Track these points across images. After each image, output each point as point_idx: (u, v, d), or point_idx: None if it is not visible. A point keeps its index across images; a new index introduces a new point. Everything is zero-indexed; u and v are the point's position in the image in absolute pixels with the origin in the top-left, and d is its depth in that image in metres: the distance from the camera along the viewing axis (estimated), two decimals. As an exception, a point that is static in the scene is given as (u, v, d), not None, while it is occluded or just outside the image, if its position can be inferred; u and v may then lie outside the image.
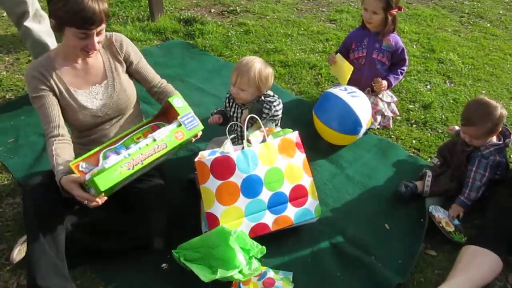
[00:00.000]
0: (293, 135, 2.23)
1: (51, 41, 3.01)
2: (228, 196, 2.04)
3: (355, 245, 2.17)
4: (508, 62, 3.93)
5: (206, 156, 2.06)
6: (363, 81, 2.95)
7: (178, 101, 1.99)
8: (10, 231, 2.19)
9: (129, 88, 2.15)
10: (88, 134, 2.08)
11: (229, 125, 2.32)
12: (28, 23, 2.89)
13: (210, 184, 2.02)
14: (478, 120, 2.23)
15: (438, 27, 4.57)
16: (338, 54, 3.00)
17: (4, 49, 3.80)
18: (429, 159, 2.72)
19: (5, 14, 4.12)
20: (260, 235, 2.07)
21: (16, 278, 1.98)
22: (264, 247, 1.97)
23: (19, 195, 2.39)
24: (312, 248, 2.16)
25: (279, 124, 2.48)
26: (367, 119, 2.73)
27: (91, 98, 2.04)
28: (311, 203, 2.18)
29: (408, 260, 2.09)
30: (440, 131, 2.98)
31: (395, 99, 3.08)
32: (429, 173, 2.42)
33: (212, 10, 4.69)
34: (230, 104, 2.47)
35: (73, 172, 1.76)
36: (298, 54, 3.87)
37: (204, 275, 1.82)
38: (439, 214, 2.26)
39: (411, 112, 3.16)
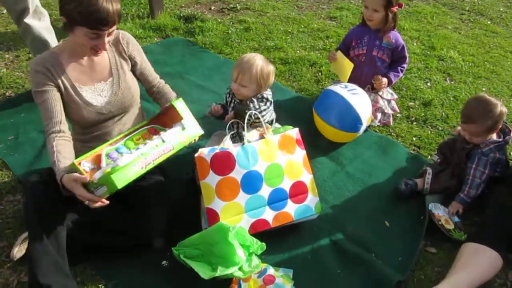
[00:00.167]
0: (293, 132, 2.24)
1: (51, 38, 3.01)
2: (228, 192, 2.04)
3: (355, 242, 2.17)
4: (508, 60, 3.92)
5: (206, 152, 2.06)
6: (363, 78, 2.95)
7: (181, 105, 2.03)
8: (10, 228, 2.19)
9: (134, 86, 2.15)
10: (91, 131, 2.08)
11: (229, 122, 2.32)
12: (28, 20, 2.88)
13: (210, 180, 2.03)
14: (478, 117, 2.22)
15: (439, 24, 4.56)
16: (339, 51, 3.00)
17: (4, 46, 3.79)
18: (429, 157, 2.72)
19: (5, 11, 4.11)
20: (260, 232, 2.07)
21: (17, 275, 1.99)
22: (263, 243, 1.97)
23: (19, 192, 2.39)
24: (312, 245, 2.16)
25: (275, 121, 2.49)
26: (367, 116, 2.73)
27: (95, 95, 2.03)
28: (311, 199, 2.19)
29: (408, 258, 2.09)
30: (440, 128, 2.98)
31: (395, 96, 3.08)
32: (429, 170, 2.42)
33: (212, 8, 4.69)
34: (230, 99, 2.47)
35: (75, 171, 1.75)
36: (298, 51, 3.87)
37: (204, 272, 1.83)
38: (438, 211, 2.26)
39: (411, 109, 3.16)
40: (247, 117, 2.18)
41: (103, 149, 1.88)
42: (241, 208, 2.05)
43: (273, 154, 2.14)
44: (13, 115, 2.98)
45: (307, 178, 2.20)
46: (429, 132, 2.95)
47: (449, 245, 2.16)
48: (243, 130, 2.17)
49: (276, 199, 2.12)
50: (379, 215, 2.34)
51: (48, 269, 1.77)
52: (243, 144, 2.12)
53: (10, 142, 2.75)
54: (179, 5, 4.70)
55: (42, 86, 1.91)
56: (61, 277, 1.79)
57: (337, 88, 2.75)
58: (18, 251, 2.01)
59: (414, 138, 2.89)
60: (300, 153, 2.22)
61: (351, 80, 2.92)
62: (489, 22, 4.69)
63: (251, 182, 2.08)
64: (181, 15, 4.38)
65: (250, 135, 2.19)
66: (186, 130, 1.98)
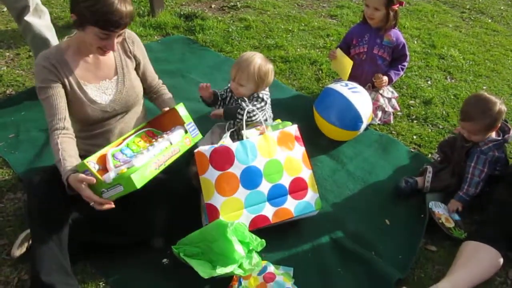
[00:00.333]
0: (292, 129, 2.25)
1: (52, 36, 3.00)
2: (228, 187, 2.04)
3: (355, 240, 2.17)
4: (509, 58, 3.92)
5: (205, 148, 2.07)
6: (364, 76, 2.95)
7: (182, 110, 2.06)
8: (11, 226, 2.19)
9: (138, 85, 2.16)
10: (93, 128, 2.08)
11: (228, 123, 2.32)
12: (28, 17, 2.88)
13: (209, 175, 2.03)
14: (476, 115, 2.22)
15: (439, 22, 4.56)
16: (338, 49, 2.99)
17: (5, 44, 3.79)
18: (429, 155, 2.72)
19: (5, 9, 4.11)
20: (261, 229, 2.07)
21: (17, 273, 1.99)
22: (263, 240, 1.97)
23: (19, 190, 2.39)
24: (312, 243, 2.17)
25: (271, 120, 2.49)
26: (367, 114, 2.73)
27: (100, 93, 2.03)
28: (311, 196, 2.19)
29: (408, 256, 2.10)
30: (440, 127, 2.98)
31: (396, 94, 3.08)
32: (429, 168, 2.42)
33: (213, 6, 4.68)
34: (229, 96, 2.45)
35: (83, 170, 1.75)
36: (298, 49, 3.86)
37: (204, 271, 1.83)
38: (439, 210, 2.26)
39: (411, 107, 3.16)
40: (244, 117, 2.18)
41: (108, 150, 1.88)
42: (241, 203, 2.06)
43: (272, 150, 2.15)
44: (14, 113, 2.98)
45: (306, 174, 2.20)
46: (430, 130, 2.95)
47: (449, 243, 2.16)
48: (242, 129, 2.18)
49: (276, 195, 2.13)
50: (380, 213, 2.34)
51: (50, 267, 1.77)
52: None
53: (11, 140, 2.75)
54: (180, 3, 4.70)
55: (47, 82, 1.90)
56: (63, 276, 1.79)
57: (337, 86, 2.75)
58: (19, 249, 2.01)
59: (414, 137, 2.89)
60: (299, 149, 2.22)
61: (351, 78, 2.92)
62: (489, 21, 4.69)
63: (250, 178, 2.08)
64: (182, 13, 4.37)
65: (249, 134, 2.19)
66: (189, 134, 2.04)
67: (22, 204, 2.30)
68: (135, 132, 2.05)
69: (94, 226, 2.01)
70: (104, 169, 1.81)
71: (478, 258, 1.97)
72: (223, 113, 2.31)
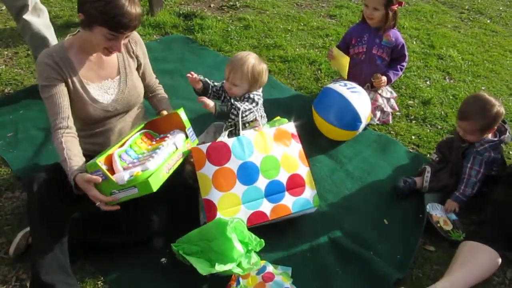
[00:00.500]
0: (289, 126, 2.26)
1: (50, 35, 3.00)
2: (225, 182, 2.05)
3: (354, 240, 2.18)
4: (507, 59, 3.93)
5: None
6: (362, 76, 2.95)
7: (184, 115, 2.10)
8: (9, 225, 2.19)
9: (139, 85, 2.17)
10: (94, 127, 2.07)
11: (225, 123, 2.32)
12: (27, 16, 2.87)
13: (206, 170, 2.04)
14: (473, 115, 2.22)
15: (438, 23, 4.56)
16: (335, 47, 3.00)
17: (3, 43, 3.78)
18: (428, 155, 2.72)
19: (4, 7, 4.10)
20: (259, 228, 2.07)
21: (15, 272, 1.98)
22: (262, 240, 1.97)
23: (18, 189, 2.39)
24: (311, 243, 2.17)
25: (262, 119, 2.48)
26: (366, 114, 2.73)
27: (102, 92, 2.03)
28: (309, 192, 2.20)
29: (407, 255, 2.10)
30: (439, 127, 2.99)
31: (395, 95, 3.08)
32: (428, 168, 2.42)
33: (212, 5, 4.68)
34: (223, 95, 2.43)
35: (93, 170, 1.75)
36: (297, 49, 3.86)
37: (202, 268, 1.83)
38: (436, 212, 2.27)
39: (410, 108, 3.16)
40: (240, 118, 2.18)
41: (114, 151, 1.88)
42: (238, 199, 2.06)
43: (269, 146, 2.16)
44: (12, 112, 2.97)
45: (303, 171, 2.21)
46: (428, 130, 2.96)
47: (447, 243, 2.17)
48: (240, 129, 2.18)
49: (273, 191, 2.13)
50: (378, 213, 2.34)
51: (50, 267, 1.77)
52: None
53: (9, 139, 2.75)
54: (179, 2, 4.69)
55: (50, 80, 1.89)
56: (63, 275, 1.79)
57: (336, 86, 2.75)
58: (17, 248, 2.01)
59: (413, 137, 2.89)
60: (296, 146, 2.23)
61: (350, 78, 2.92)
62: (488, 21, 4.70)
63: (247, 173, 2.09)
64: (181, 12, 4.37)
65: (247, 134, 2.19)
66: (189, 139, 2.09)
67: (20, 203, 2.30)
68: (135, 133, 2.05)
69: (93, 226, 2.02)
70: (110, 169, 1.81)
71: (476, 258, 1.98)
72: (215, 112, 2.24)
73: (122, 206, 2.08)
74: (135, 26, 1.85)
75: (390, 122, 3.00)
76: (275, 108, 2.86)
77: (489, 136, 2.30)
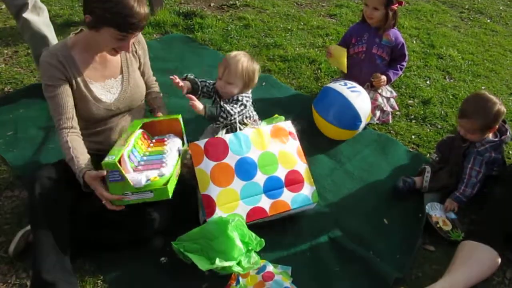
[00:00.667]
0: (286, 124, 2.28)
1: (50, 33, 2.99)
2: (223, 178, 2.06)
3: (353, 239, 2.17)
4: (507, 58, 3.93)
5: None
6: (362, 76, 2.95)
7: (181, 120, 2.16)
8: (8, 223, 2.19)
9: (142, 84, 2.18)
10: (95, 126, 2.08)
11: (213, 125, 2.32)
12: (27, 15, 2.87)
13: (204, 166, 2.05)
14: (473, 113, 2.22)
15: (438, 22, 4.56)
16: (332, 44, 2.99)
17: (3, 42, 3.78)
18: (428, 155, 2.72)
19: (3, 6, 4.10)
20: (259, 227, 2.07)
21: (15, 271, 1.98)
22: (262, 239, 1.97)
23: (17, 188, 2.39)
24: (311, 242, 2.17)
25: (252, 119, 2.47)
26: (366, 114, 2.73)
27: (105, 92, 2.04)
28: (308, 189, 2.20)
29: (407, 255, 2.10)
30: (439, 126, 2.98)
31: (395, 94, 3.08)
32: (428, 168, 2.42)
33: (212, 4, 4.68)
34: (213, 98, 2.42)
35: (110, 169, 1.75)
36: (297, 48, 3.86)
37: (203, 265, 1.84)
38: (435, 213, 2.27)
39: (410, 107, 3.16)
40: (237, 119, 2.21)
41: (123, 151, 1.87)
42: (236, 194, 2.07)
43: (266, 142, 2.18)
44: (12, 111, 2.97)
45: (301, 167, 2.22)
46: (428, 130, 2.96)
47: (447, 243, 2.17)
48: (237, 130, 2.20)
49: (272, 187, 2.14)
50: (378, 212, 2.34)
51: (51, 265, 1.77)
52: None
53: (9, 137, 2.75)
54: (179, 1, 4.69)
55: (54, 80, 1.90)
56: (64, 274, 1.79)
57: (336, 86, 2.75)
58: (17, 247, 2.00)
59: (413, 136, 2.89)
60: (293, 143, 2.24)
61: (350, 77, 2.92)
62: (488, 21, 4.70)
63: (245, 169, 2.10)
64: (181, 11, 4.37)
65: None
66: (186, 145, 2.13)
67: (20, 202, 2.29)
68: (136, 131, 2.05)
69: (94, 224, 2.02)
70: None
71: (476, 258, 1.98)
72: (204, 114, 2.20)
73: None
74: (143, 26, 1.87)
75: (390, 121, 3.00)
76: (275, 108, 2.86)
77: (490, 136, 2.30)
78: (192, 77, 2.37)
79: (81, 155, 1.85)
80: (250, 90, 2.36)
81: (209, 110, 2.18)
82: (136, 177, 1.79)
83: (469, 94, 3.19)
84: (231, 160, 2.09)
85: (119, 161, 1.79)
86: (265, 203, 2.11)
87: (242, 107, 2.27)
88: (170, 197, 1.80)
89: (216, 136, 2.14)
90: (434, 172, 2.42)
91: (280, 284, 1.85)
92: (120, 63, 2.08)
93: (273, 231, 2.14)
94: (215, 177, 2.05)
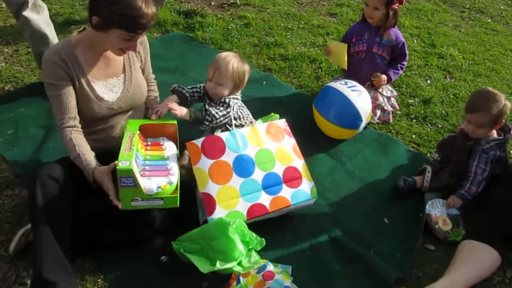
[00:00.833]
0: (281, 122, 2.30)
1: (50, 32, 2.99)
2: (221, 175, 2.06)
3: (354, 239, 2.17)
4: (508, 58, 3.93)
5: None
6: (363, 75, 2.95)
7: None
8: (9, 222, 2.18)
9: (143, 83, 2.18)
10: (96, 124, 2.08)
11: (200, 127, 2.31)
12: (27, 13, 2.87)
13: (202, 164, 2.05)
14: (483, 106, 2.22)
15: (439, 21, 4.56)
16: (330, 41, 2.98)
17: (3, 41, 3.78)
18: (428, 154, 2.72)
19: (3, 5, 4.09)
20: (259, 226, 2.07)
21: (15, 269, 1.98)
22: (263, 239, 1.97)
23: (18, 186, 2.38)
24: (311, 241, 2.17)
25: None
26: (367, 113, 2.72)
27: (107, 90, 2.04)
28: (306, 184, 2.21)
29: (407, 255, 2.10)
30: (440, 126, 2.98)
31: (395, 93, 3.08)
32: (429, 168, 2.42)
33: (212, 3, 4.68)
34: (205, 97, 2.39)
35: (124, 175, 1.74)
36: (298, 47, 3.86)
37: (203, 266, 1.83)
38: (436, 211, 2.26)
39: (411, 106, 3.16)
40: (233, 125, 2.19)
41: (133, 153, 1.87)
42: (236, 191, 2.07)
43: (262, 140, 2.19)
44: (12, 109, 2.97)
45: (299, 163, 2.23)
46: (429, 129, 2.96)
47: (447, 242, 2.17)
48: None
49: (271, 184, 2.15)
50: (378, 212, 2.34)
51: (52, 264, 1.76)
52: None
53: (9, 136, 2.74)
54: (179, 0, 4.69)
55: (57, 78, 1.90)
56: (65, 273, 1.78)
57: (337, 85, 2.75)
58: (17, 245, 2.00)
59: (413, 136, 2.89)
60: (289, 141, 2.26)
61: (350, 76, 2.92)
62: (489, 20, 4.69)
63: (243, 166, 2.11)
64: (181, 10, 4.37)
65: None
66: (177, 151, 2.12)
67: (20, 201, 2.29)
68: (134, 133, 2.03)
69: (95, 224, 2.01)
70: None
71: (476, 258, 1.98)
72: (189, 119, 2.18)
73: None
74: (151, 26, 1.88)
75: (391, 121, 3.00)
76: (275, 107, 2.86)
77: (494, 134, 2.31)
78: (180, 89, 2.34)
79: (86, 152, 1.88)
80: (240, 92, 2.35)
81: (194, 114, 2.17)
82: (147, 183, 1.79)
83: (471, 93, 3.18)
84: (228, 157, 2.09)
85: None
86: (265, 199, 2.12)
87: (229, 109, 2.24)
88: (178, 206, 1.83)
89: (212, 135, 2.14)
90: (435, 171, 2.42)
91: (281, 283, 1.85)
92: (122, 62, 2.08)
93: (273, 230, 2.14)
94: (213, 175, 2.05)
